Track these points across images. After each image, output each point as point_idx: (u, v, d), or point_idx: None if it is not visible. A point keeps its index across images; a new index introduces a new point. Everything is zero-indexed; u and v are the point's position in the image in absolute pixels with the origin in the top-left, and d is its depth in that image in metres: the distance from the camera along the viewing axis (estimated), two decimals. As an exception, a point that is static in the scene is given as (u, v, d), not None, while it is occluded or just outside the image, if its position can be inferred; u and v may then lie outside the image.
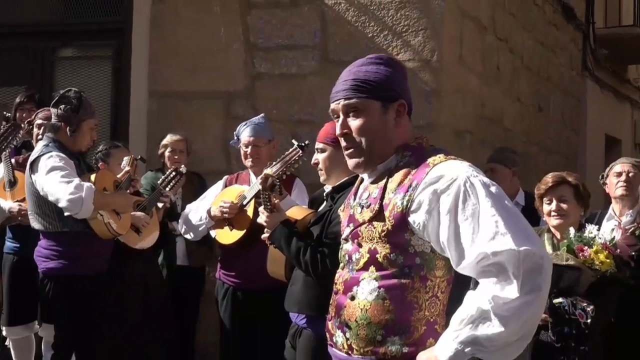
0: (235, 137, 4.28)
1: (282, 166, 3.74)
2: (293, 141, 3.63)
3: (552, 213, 3.53)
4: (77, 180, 3.83)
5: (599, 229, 3.33)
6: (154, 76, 6.01)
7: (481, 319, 1.82)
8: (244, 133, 4.18)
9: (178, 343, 4.99)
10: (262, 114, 4.42)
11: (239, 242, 3.99)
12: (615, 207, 4.24)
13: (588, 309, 3.20)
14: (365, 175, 2.17)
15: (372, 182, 2.11)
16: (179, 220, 4.36)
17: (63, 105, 4.02)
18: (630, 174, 4.19)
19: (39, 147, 4.08)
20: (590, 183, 4.67)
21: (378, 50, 5.22)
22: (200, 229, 4.23)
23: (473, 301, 1.85)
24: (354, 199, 2.17)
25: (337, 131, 2.12)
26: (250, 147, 4.15)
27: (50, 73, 6.45)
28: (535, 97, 7.86)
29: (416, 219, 1.93)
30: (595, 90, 10.29)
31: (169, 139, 5.21)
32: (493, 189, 1.90)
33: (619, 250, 3.28)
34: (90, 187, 3.81)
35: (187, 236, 4.39)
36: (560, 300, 3.19)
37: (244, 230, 3.94)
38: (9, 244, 4.76)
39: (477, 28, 6.14)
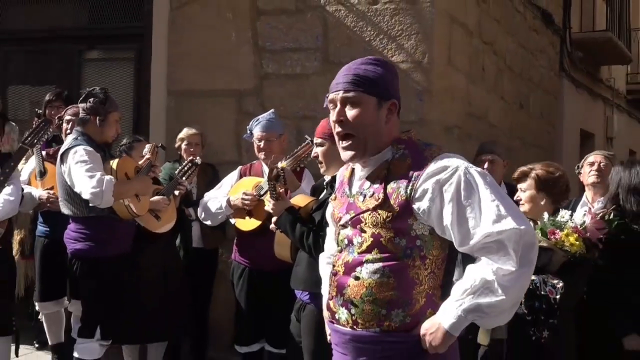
0: (249, 132, 4.27)
1: (295, 160, 3.79)
2: (306, 137, 3.60)
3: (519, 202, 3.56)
4: (99, 174, 3.82)
5: (572, 214, 3.32)
6: (172, 76, 6.01)
7: (484, 289, 1.90)
8: (257, 129, 4.17)
9: (194, 318, 5.00)
10: (272, 110, 4.42)
11: (257, 229, 3.97)
12: (588, 194, 4.24)
13: (558, 285, 3.21)
14: (357, 166, 2.16)
15: (371, 173, 2.11)
16: (199, 208, 4.34)
17: (92, 99, 4.02)
18: (602, 165, 4.20)
19: (68, 140, 4.08)
20: (568, 174, 4.66)
21: (374, 52, 5.21)
22: (219, 216, 4.21)
23: (476, 273, 1.92)
24: (349, 189, 2.17)
25: (333, 118, 2.12)
26: (262, 141, 4.13)
27: (78, 73, 6.44)
28: (517, 96, 7.85)
29: (420, 205, 1.98)
30: (571, 89, 10.28)
31: (185, 132, 5.21)
32: (488, 178, 1.98)
33: (588, 233, 3.26)
34: (110, 180, 3.81)
35: (207, 222, 4.37)
36: (532, 277, 3.18)
37: (262, 220, 3.94)
38: (40, 228, 4.77)
39: (465, 32, 6.12)
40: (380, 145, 2.10)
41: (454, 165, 1.97)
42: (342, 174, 2.29)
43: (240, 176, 4.31)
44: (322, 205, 3.24)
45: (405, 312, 1.99)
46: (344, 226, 2.15)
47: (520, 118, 7.92)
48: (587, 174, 4.24)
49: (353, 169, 2.22)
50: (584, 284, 3.43)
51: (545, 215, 3.37)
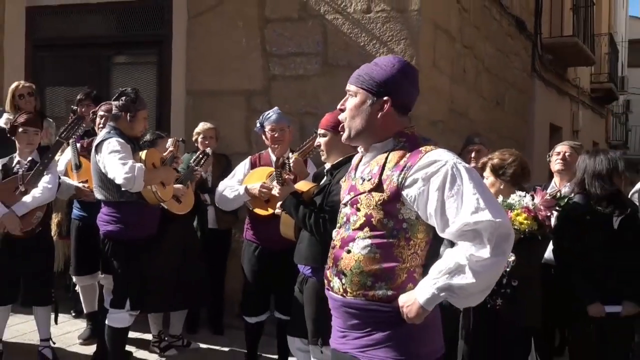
0: (259, 125, 4.24)
1: (304, 152, 3.83)
2: (314, 130, 3.60)
3: None
4: (131, 162, 3.82)
5: (525, 196, 3.31)
6: (190, 78, 6.00)
7: (457, 271, 1.88)
8: (270, 120, 4.15)
9: (210, 289, 5.02)
10: (276, 107, 4.40)
11: (273, 215, 3.95)
12: (556, 180, 4.25)
13: (510, 259, 3.20)
14: (363, 153, 2.18)
15: (372, 160, 2.11)
16: (215, 196, 4.33)
17: (124, 97, 4.02)
18: (567, 154, 4.19)
19: (102, 133, 4.08)
20: (537, 162, 4.70)
21: (368, 56, 5.19)
22: (235, 203, 4.19)
23: (451, 257, 1.91)
24: (354, 174, 2.18)
25: (339, 105, 2.18)
26: (277, 131, 4.14)
27: (107, 76, 6.44)
28: (494, 94, 7.84)
29: (409, 193, 1.96)
30: (542, 88, 10.27)
31: (201, 127, 5.22)
32: (474, 173, 1.95)
33: (540, 211, 3.26)
34: (140, 167, 3.80)
35: (223, 208, 4.36)
36: None
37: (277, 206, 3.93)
38: (76, 212, 4.78)
39: (448, 38, 6.11)
40: (377, 135, 2.10)
41: (443, 160, 1.95)
42: (354, 160, 2.29)
43: (252, 165, 4.29)
44: (323, 190, 3.25)
45: (388, 285, 1.99)
46: (345, 205, 2.16)
47: (496, 114, 7.92)
48: (554, 162, 4.24)
49: (361, 157, 2.22)
50: (538, 257, 3.40)
51: (500, 198, 3.38)
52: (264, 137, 4.25)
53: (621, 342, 3.48)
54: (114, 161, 3.81)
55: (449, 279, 1.88)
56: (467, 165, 1.97)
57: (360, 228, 2.04)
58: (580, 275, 3.48)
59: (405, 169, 1.98)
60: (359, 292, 2.02)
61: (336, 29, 5.51)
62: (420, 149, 2.01)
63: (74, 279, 4.91)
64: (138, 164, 3.82)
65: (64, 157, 4.81)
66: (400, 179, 1.97)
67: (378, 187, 2.02)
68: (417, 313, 1.93)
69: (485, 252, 1.84)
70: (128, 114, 3.99)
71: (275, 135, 4.14)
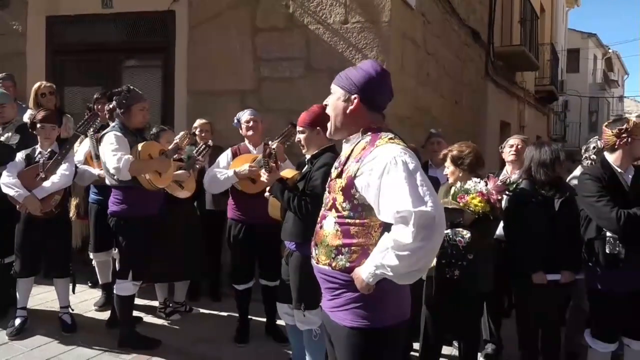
0: (236, 121, 4.23)
1: (282, 139, 3.77)
2: (291, 122, 3.57)
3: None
4: (120, 154, 3.75)
5: (478, 183, 3.31)
6: (191, 80, 5.92)
7: (386, 253, 1.83)
8: (246, 114, 4.17)
9: (210, 262, 4.97)
10: (250, 109, 4.38)
11: (260, 192, 3.91)
12: (508, 168, 4.23)
13: (466, 236, 3.21)
14: (344, 145, 2.16)
15: (343, 153, 2.11)
16: (204, 180, 4.25)
17: (116, 97, 3.95)
18: (519, 146, 4.18)
19: (109, 127, 4.01)
20: (490, 152, 4.69)
21: (346, 61, 5.17)
22: (224, 185, 4.11)
23: (384, 240, 1.87)
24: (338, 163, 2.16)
25: (324, 102, 2.16)
26: (251, 122, 4.12)
27: (119, 77, 6.30)
28: (453, 94, 7.83)
29: (358, 182, 1.94)
30: (494, 90, 10.30)
31: (198, 122, 5.14)
32: (410, 166, 1.87)
33: (492, 195, 3.27)
34: (127, 159, 3.73)
35: (212, 190, 4.30)
36: (447, 231, 3.20)
37: (264, 185, 3.88)
38: (93, 196, 4.68)
39: (413, 46, 6.08)
40: (349, 129, 2.08)
41: (386, 154, 1.89)
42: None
43: (234, 155, 4.22)
44: (305, 176, 3.21)
45: (346, 258, 1.97)
46: (324, 189, 2.16)
47: (455, 111, 7.92)
48: (508, 154, 4.22)
49: None
50: (490, 234, 3.39)
51: (458, 184, 3.38)
52: (240, 130, 4.23)
53: (558, 304, 3.49)
54: (107, 152, 3.78)
55: (381, 259, 1.84)
56: (407, 159, 1.88)
57: (329, 209, 2.04)
58: (526, 249, 3.48)
59: (360, 161, 1.95)
60: (326, 261, 2.02)
61: (318, 38, 5.45)
62: (375, 143, 1.97)
63: (92, 255, 4.81)
64: (126, 156, 3.75)
65: (82, 148, 4.72)
66: (355, 170, 1.95)
67: (340, 175, 2.01)
68: (362, 286, 1.91)
69: (407, 238, 1.77)
70: (121, 110, 3.91)
71: (250, 125, 4.13)
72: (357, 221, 1.96)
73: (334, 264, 1.99)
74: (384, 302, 1.96)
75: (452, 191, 3.36)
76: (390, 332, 1.98)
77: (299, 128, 3.24)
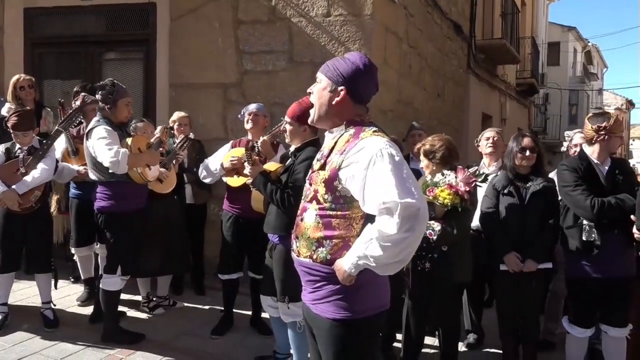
0: (242, 112, 4.19)
1: (272, 135, 3.76)
2: (282, 118, 3.56)
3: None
4: (116, 147, 3.73)
5: (448, 175, 3.34)
6: (173, 72, 5.88)
7: (370, 244, 1.84)
8: (250, 107, 4.14)
9: (192, 256, 4.97)
10: (258, 103, 4.34)
11: (242, 185, 3.91)
12: (485, 161, 4.27)
13: (437, 228, 3.24)
14: (327, 137, 2.16)
15: (326, 145, 2.10)
16: (200, 169, 4.26)
17: (102, 91, 3.90)
18: (495, 139, 4.23)
19: (93, 121, 3.96)
20: (472, 145, 4.73)
21: (328, 54, 5.17)
22: (216, 174, 4.15)
23: (368, 231, 1.88)
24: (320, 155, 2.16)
25: (308, 89, 2.16)
26: (252, 115, 4.09)
27: (99, 70, 6.25)
28: (435, 87, 7.88)
29: (343, 174, 1.95)
30: (475, 82, 10.37)
31: (176, 115, 5.11)
32: (396, 158, 1.88)
33: (460, 186, 3.29)
34: (125, 152, 3.71)
35: (206, 180, 4.28)
36: None
37: (246, 178, 3.89)
38: (73, 191, 4.63)
39: (396, 39, 6.10)
40: (333, 120, 2.08)
41: (372, 146, 1.90)
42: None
43: (232, 147, 4.25)
44: (288, 169, 3.22)
45: (327, 250, 1.98)
46: (307, 181, 2.16)
47: (437, 104, 7.97)
48: (485, 146, 4.26)
49: None
50: (462, 225, 3.40)
51: (428, 177, 3.41)
52: (244, 123, 4.19)
53: (536, 294, 3.55)
54: (101, 146, 3.73)
55: (364, 250, 1.85)
56: (393, 151, 1.89)
57: (310, 201, 2.04)
58: (500, 235, 3.54)
59: (344, 153, 1.96)
60: (307, 254, 2.02)
61: (300, 31, 5.45)
62: (360, 135, 1.97)
63: (73, 250, 4.78)
64: (123, 149, 3.73)
65: (58, 145, 4.66)
66: (339, 162, 1.95)
67: (323, 167, 2.02)
68: (344, 277, 1.92)
69: (392, 229, 1.78)
70: (107, 105, 3.88)
71: (250, 119, 4.12)
72: (339, 213, 1.97)
73: (314, 257, 2.00)
74: (364, 293, 1.97)
75: (423, 184, 3.39)
76: (371, 323, 2.00)
77: (287, 119, 3.24)
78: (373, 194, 1.84)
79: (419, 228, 1.81)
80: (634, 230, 3.18)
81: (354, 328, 1.98)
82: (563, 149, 4.43)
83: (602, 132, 3.30)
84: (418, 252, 3.29)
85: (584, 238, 3.30)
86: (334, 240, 1.97)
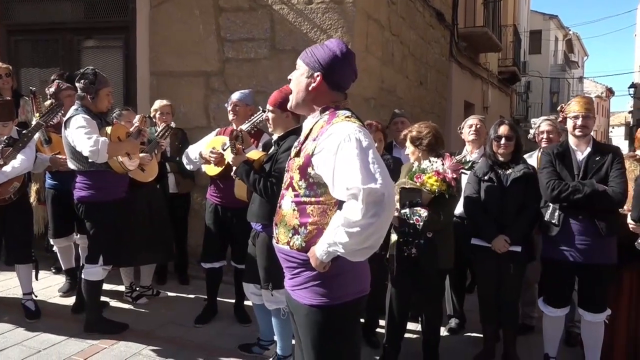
0: (228, 101, 4.14)
1: (251, 124, 3.71)
2: (259, 107, 3.55)
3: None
4: (96, 136, 3.70)
5: (435, 162, 3.38)
6: (153, 60, 5.81)
7: (337, 230, 1.84)
8: (232, 97, 4.08)
9: (175, 245, 4.96)
10: (250, 89, 4.30)
11: (219, 174, 3.92)
12: (468, 148, 4.32)
13: (423, 215, 3.27)
14: (304, 124, 2.17)
15: (302, 132, 2.11)
16: (184, 157, 4.23)
17: (83, 80, 3.85)
18: (478, 126, 4.27)
19: (71, 110, 3.92)
20: (454, 133, 4.79)
21: (310, 42, 5.15)
22: (196, 162, 4.11)
23: (336, 218, 1.89)
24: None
25: (289, 76, 2.16)
26: (232, 105, 4.05)
27: (77, 58, 6.15)
28: (418, 75, 7.91)
29: (315, 160, 1.96)
30: (458, 71, 10.42)
31: (158, 104, 5.05)
32: (364, 143, 1.87)
33: (447, 173, 3.33)
34: (104, 141, 3.69)
35: (188, 167, 4.25)
36: (404, 210, 3.27)
37: (223, 167, 3.89)
38: (49, 182, 4.58)
39: (378, 27, 6.10)
40: (308, 106, 2.09)
41: (341, 132, 1.90)
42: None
43: (217, 135, 4.23)
44: (271, 158, 3.22)
45: (302, 237, 1.99)
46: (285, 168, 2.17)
47: (420, 92, 8.00)
48: (467, 134, 4.30)
49: None
50: (448, 212, 3.46)
51: (415, 164, 3.44)
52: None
53: (515, 279, 3.62)
54: (80, 136, 3.70)
55: (333, 236, 1.85)
56: (361, 137, 1.89)
57: (287, 188, 2.06)
58: (483, 220, 3.60)
59: (317, 139, 1.97)
60: (285, 241, 2.04)
61: (282, 18, 5.42)
62: (332, 121, 1.98)
63: (52, 241, 4.74)
64: (102, 138, 3.71)
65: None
66: (312, 148, 1.97)
67: (298, 154, 2.03)
68: (317, 263, 1.94)
69: (356, 215, 1.77)
70: (89, 95, 3.84)
71: (229, 110, 4.09)
72: (313, 200, 1.98)
73: (291, 243, 2.01)
74: (342, 279, 1.99)
75: (410, 171, 3.42)
76: (349, 308, 2.02)
77: (268, 107, 3.24)
78: (339, 179, 1.84)
79: (384, 214, 1.79)
80: (628, 220, 3.23)
81: (332, 314, 1.99)
82: (530, 136, 4.49)
83: (561, 115, 3.47)
84: (404, 239, 3.35)
85: (545, 218, 3.42)
86: (308, 227, 1.98)
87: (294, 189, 2.02)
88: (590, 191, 3.20)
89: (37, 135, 4.47)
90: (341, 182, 1.83)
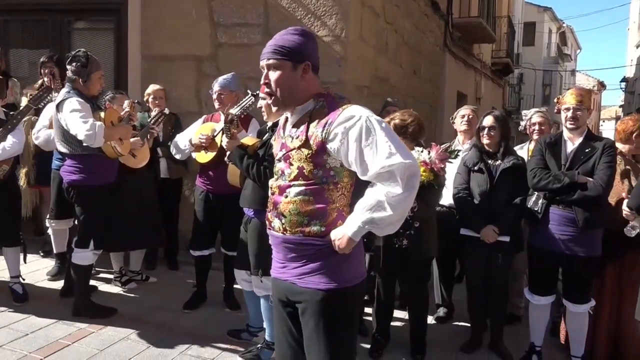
0: (212, 88, 4.13)
1: (240, 108, 3.67)
2: (248, 91, 3.54)
3: None
4: (91, 120, 3.67)
5: (421, 152, 3.40)
6: (145, 44, 5.77)
7: (377, 206, 1.92)
8: (216, 85, 4.06)
9: (165, 231, 4.96)
10: (232, 73, 4.24)
11: (211, 161, 3.92)
12: (460, 138, 4.35)
13: (412, 205, 3.28)
14: (289, 115, 2.14)
15: (298, 121, 2.08)
16: (171, 147, 4.22)
17: (74, 63, 3.81)
18: (470, 116, 4.29)
19: (62, 92, 3.88)
20: (447, 123, 4.81)
21: (305, 28, 5.12)
22: (185, 151, 4.11)
23: (372, 195, 1.95)
24: (283, 132, 2.15)
25: (262, 81, 2.09)
26: (217, 94, 4.03)
27: (67, 40, 6.10)
28: (412, 65, 7.91)
29: (332, 145, 1.97)
30: (452, 61, 10.43)
31: (151, 88, 5.02)
32: (384, 124, 1.96)
33: (435, 163, 3.36)
34: (100, 125, 3.67)
35: (177, 156, 4.24)
36: None
37: (214, 153, 3.88)
38: (56, 163, 4.49)
39: (373, 15, 6.08)
40: (301, 98, 2.08)
41: (358, 115, 1.95)
42: (281, 120, 2.26)
43: (204, 122, 4.22)
44: (265, 144, 3.22)
45: (321, 222, 2.02)
46: (279, 160, 2.14)
47: (413, 81, 8.01)
48: (460, 124, 4.32)
49: (287, 117, 2.18)
50: (435, 202, 3.53)
51: None
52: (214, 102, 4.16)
53: (503, 269, 3.66)
54: (75, 119, 3.66)
55: (371, 213, 1.93)
56: (378, 117, 1.98)
57: (295, 179, 2.05)
58: (472, 210, 3.63)
59: (327, 124, 1.97)
60: (297, 229, 2.04)
61: (276, 3, 5.40)
62: (338, 106, 2.01)
63: (50, 222, 4.66)
64: (98, 122, 3.68)
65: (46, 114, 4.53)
66: (324, 134, 1.97)
67: (306, 144, 2.02)
68: (347, 244, 1.98)
69: (398, 189, 1.88)
70: (81, 78, 3.81)
71: (214, 97, 4.06)
72: (331, 185, 2.02)
73: (307, 230, 2.03)
74: (349, 263, 2.05)
75: None
76: (356, 291, 2.10)
77: (261, 94, 3.22)
78: (375, 159, 1.90)
79: (417, 185, 1.94)
80: (623, 207, 3.23)
81: (344, 297, 2.05)
82: (520, 128, 4.51)
83: (557, 106, 3.50)
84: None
85: (528, 205, 3.47)
86: (327, 211, 2.02)
87: (306, 179, 2.02)
88: (570, 182, 3.24)
89: (26, 117, 4.42)
90: (378, 161, 1.89)
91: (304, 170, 2.02)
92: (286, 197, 2.06)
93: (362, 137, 1.92)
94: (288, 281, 2.12)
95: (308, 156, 2.00)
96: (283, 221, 2.07)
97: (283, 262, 2.14)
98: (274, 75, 2.04)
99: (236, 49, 5.52)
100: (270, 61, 2.04)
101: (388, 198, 1.90)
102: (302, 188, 2.02)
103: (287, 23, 5.30)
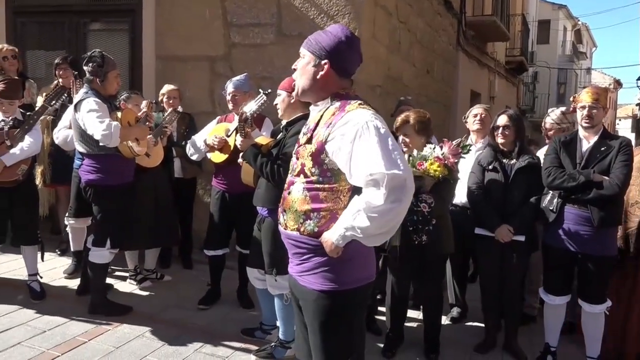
0: (225, 89, 4.16)
1: (254, 106, 3.68)
2: (260, 90, 3.56)
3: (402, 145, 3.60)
4: (107, 120, 3.71)
5: (434, 148, 3.40)
6: (159, 44, 5.82)
7: (358, 215, 1.87)
8: (229, 86, 4.09)
9: (180, 230, 5.00)
10: (245, 73, 4.28)
11: (225, 161, 3.95)
12: (472, 137, 4.32)
13: (429, 201, 3.32)
14: (311, 109, 2.17)
15: (311, 118, 2.11)
16: (187, 146, 4.24)
17: (91, 64, 3.86)
18: (483, 115, 4.26)
19: (80, 93, 3.93)
20: (460, 121, 4.79)
21: (317, 28, 5.13)
22: (202, 152, 4.13)
23: (355, 203, 1.91)
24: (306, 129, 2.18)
25: (293, 66, 2.16)
26: (231, 95, 4.06)
27: (83, 41, 6.16)
28: (425, 63, 7.89)
29: (330, 147, 1.96)
30: (465, 60, 10.39)
31: (165, 88, 5.06)
32: (382, 130, 1.90)
33: (449, 159, 3.36)
34: (117, 125, 3.71)
35: (193, 157, 4.26)
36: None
37: (228, 153, 3.91)
38: (77, 162, 4.53)
39: (386, 14, 6.08)
40: (319, 94, 2.09)
41: (357, 119, 1.92)
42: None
43: (218, 122, 4.25)
44: (279, 143, 3.24)
45: (314, 223, 2.00)
46: (294, 154, 2.17)
47: (426, 80, 7.99)
48: (472, 123, 4.30)
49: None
50: (450, 196, 3.54)
51: (415, 152, 3.43)
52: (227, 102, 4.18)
53: (518, 268, 3.65)
54: (92, 119, 3.71)
55: (352, 221, 1.88)
56: (379, 123, 1.92)
57: (298, 175, 2.06)
58: (487, 210, 3.62)
59: (331, 126, 1.97)
60: (295, 226, 2.05)
61: (289, 3, 5.41)
62: (345, 108, 1.99)
63: (70, 220, 4.67)
64: (115, 122, 3.72)
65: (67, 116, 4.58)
66: (325, 135, 1.97)
67: (310, 141, 2.03)
68: (331, 248, 1.95)
69: (379, 200, 1.81)
70: (98, 78, 3.86)
71: (228, 99, 4.10)
72: (326, 186, 1.99)
73: (302, 229, 2.02)
74: (350, 265, 2.01)
75: (410, 159, 3.42)
76: (357, 294, 2.04)
77: (279, 91, 3.25)
78: (360, 166, 1.87)
79: (405, 199, 1.84)
80: None
81: (341, 299, 2.02)
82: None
83: (572, 105, 3.47)
84: (414, 227, 3.37)
85: (543, 204, 3.45)
86: (321, 212, 2.00)
87: (306, 176, 2.02)
88: (585, 180, 3.21)
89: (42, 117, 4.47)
90: (362, 168, 1.85)
91: (305, 167, 2.02)
92: (289, 193, 2.08)
93: (354, 141, 1.89)
94: (293, 276, 2.15)
95: (309, 153, 2.01)
96: (285, 217, 2.09)
97: (290, 258, 2.16)
98: (299, 63, 2.11)
99: (249, 49, 5.54)
100: (301, 50, 2.10)
101: (366, 207, 1.84)
102: (302, 185, 2.03)
103: (300, 23, 5.34)
